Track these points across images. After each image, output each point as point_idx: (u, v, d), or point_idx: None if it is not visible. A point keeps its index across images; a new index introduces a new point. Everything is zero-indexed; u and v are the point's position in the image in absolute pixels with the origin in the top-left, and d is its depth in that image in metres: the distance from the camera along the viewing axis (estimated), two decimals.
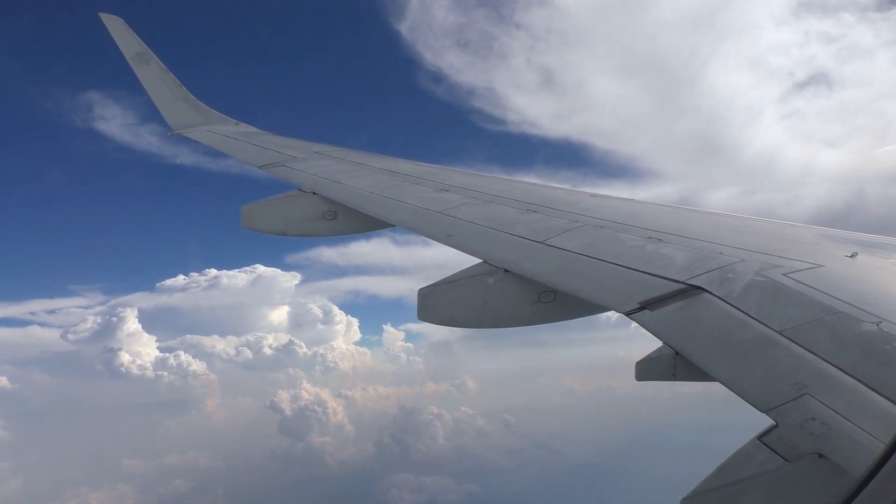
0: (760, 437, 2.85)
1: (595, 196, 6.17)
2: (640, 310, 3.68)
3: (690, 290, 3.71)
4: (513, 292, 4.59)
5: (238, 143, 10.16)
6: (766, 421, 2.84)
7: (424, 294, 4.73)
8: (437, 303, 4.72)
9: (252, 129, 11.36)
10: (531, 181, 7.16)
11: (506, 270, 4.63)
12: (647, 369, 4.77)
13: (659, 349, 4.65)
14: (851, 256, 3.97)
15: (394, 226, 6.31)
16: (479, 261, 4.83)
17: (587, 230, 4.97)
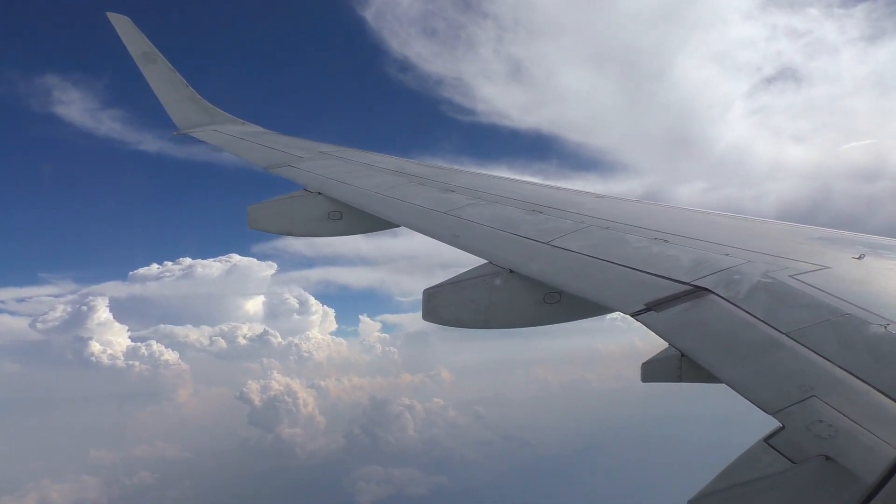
0: (767, 439, 2.84)
1: (600, 197, 6.16)
2: (645, 311, 3.67)
3: (696, 292, 3.70)
4: (518, 293, 4.59)
5: (244, 142, 10.19)
6: (771, 423, 2.84)
7: (430, 295, 4.73)
8: (442, 304, 4.72)
9: (258, 128, 11.39)
10: (536, 182, 7.16)
11: (511, 271, 4.63)
12: (653, 371, 4.76)
13: (665, 350, 4.64)
14: (859, 258, 3.95)
15: (399, 226, 6.32)
16: (485, 261, 4.83)
17: (592, 231, 4.96)
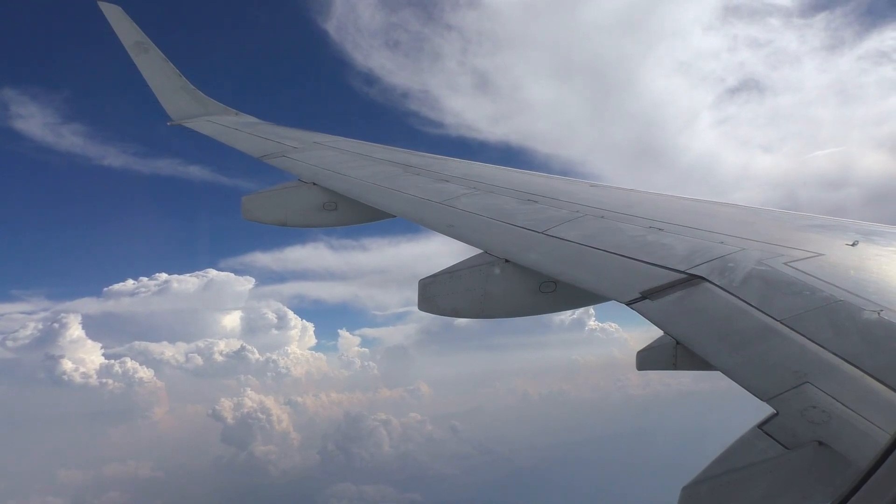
0: (761, 425, 2.86)
1: (595, 186, 6.16)
2: (641, 299, 3.69)
3: (691, 280, 3.72)
4: (514, 283, 4.59)
5: (238, 133, 10.13)
6: (765, 409, 2.86)
7: (425, 285, 4.73)
8: (438, 293, 4.72)
9: (252, 119, 11.33)
10: (532, 171, 7.15)
11: (506, 261, 4.63)
12: (648, 359, 4.77)
13: (660, 339, 4.66)
14: (852, 245, 3.97)
15: (394, 216, 6.31)
16: (480, 251, 4.83)
17: (588, 220, 4.97)
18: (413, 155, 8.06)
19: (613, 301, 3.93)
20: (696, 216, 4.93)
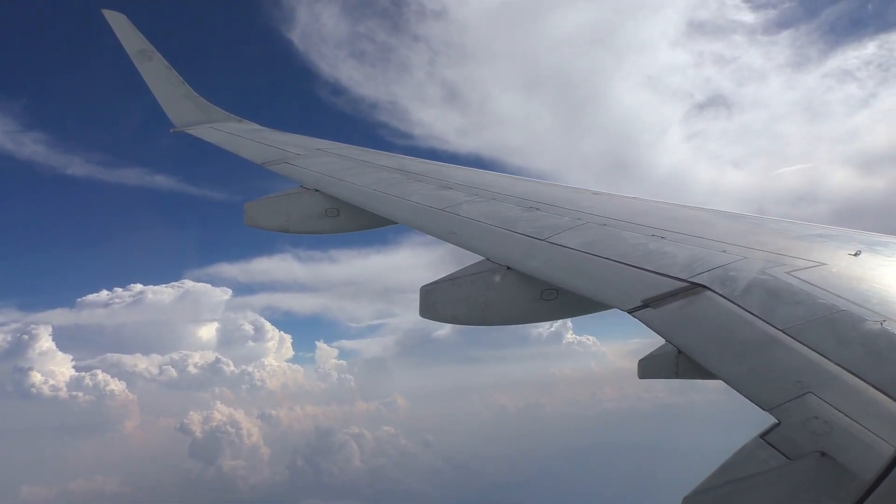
0: (763, 435, 2.85)
1: (597, 194, 6.16)
2: (642, 307, 3.68)
3: (693, 288, 3.71)
4: (515, 290, 4.59)
5: (241, 140, 10.17)
6: (768, 419, 2.84)
7: (427, 292, 4.73)
8: (439, 300, 4.72)
9: (255, 126, 11.37)
10: (533, 179, 7.15)
11: (508, 268, 4.63)
12: (650, 367, 4.77)
13: (661, 347, 4.65)
14: (855, 255, 3.95)
15: (396, 223, 6.32)
16: (482, 258, 4.83)
17: (590, 228, 4.97)
18: (415, 162, 8.08)
19: (614, 310, 3.93)
20: (698, 225, 4.92)
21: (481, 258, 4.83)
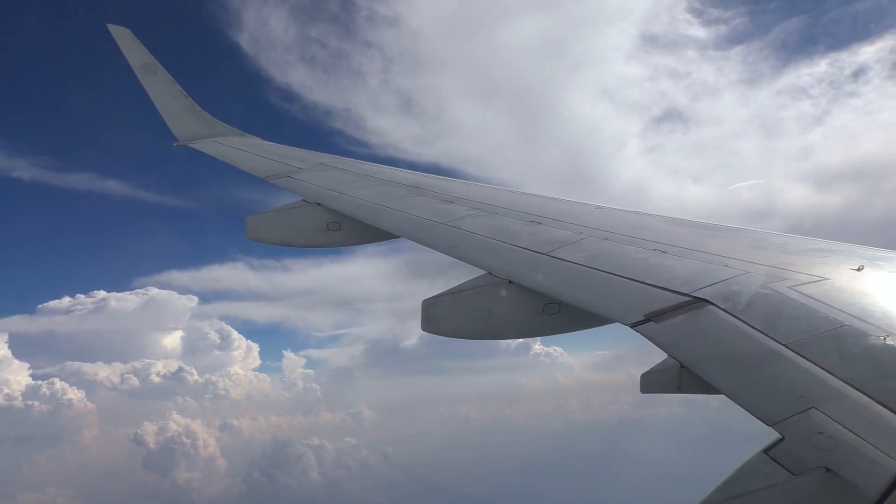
0: (766, 450, 2.84)
1: (600, 208, 6.17)
2: (645, 322, 3.67)
3: (696, 303, 3.70)
4: (517, 304, 4.59)
5: (244, 153, 10.21)
6: (771, 434, 2.83)
7: (428, 305, 4.73)
8: (441, 314, 4.72)
9: (257, 140, 11.42)
10: (536, 193, 7.17)
11: (510, 282, 4.63)
12: (652, 381, 4.75)
13: (664, 361, 4.63)
14: (858, 270, 3.95)
15: (398, 237, 6.32)
16: (484, 272, 4.83)
17: (592, 242, 4.97)
18: (417, 176, 8.11)
19: (616, 323, 3.92)
20: (700, 239, 4.93)
21: (483, 272, 4.84)
